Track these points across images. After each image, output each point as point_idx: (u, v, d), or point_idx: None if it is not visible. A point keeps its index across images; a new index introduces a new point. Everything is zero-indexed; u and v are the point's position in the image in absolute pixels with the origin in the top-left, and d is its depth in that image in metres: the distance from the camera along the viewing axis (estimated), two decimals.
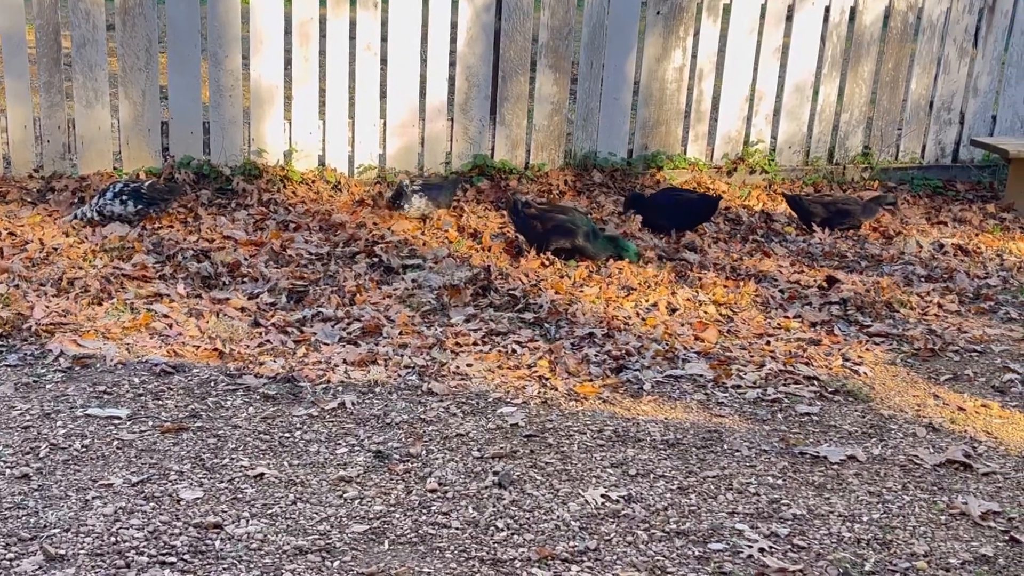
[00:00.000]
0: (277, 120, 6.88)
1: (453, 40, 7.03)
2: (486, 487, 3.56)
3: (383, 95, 7.04)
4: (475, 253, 5.92)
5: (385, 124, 7.04)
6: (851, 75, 7.60)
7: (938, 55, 7.70)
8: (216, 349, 4.65)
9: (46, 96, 6.56)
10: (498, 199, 6.96)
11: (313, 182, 6.91)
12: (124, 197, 6.05)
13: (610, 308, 5.21)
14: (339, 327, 4.93)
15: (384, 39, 6.92)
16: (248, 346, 4.71)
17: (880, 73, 7.65)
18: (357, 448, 3.83)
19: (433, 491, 3.53)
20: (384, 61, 6.96)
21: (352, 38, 6.86)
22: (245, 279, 5.42)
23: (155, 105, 6.71)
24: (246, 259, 5.69)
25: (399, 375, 4.47)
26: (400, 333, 4.89)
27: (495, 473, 3.64)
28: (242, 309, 5.09)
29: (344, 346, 4.75)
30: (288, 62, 6.84)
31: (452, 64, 7.08)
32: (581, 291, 5.43)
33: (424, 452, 3.80)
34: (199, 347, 4.68)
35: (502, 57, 7.07)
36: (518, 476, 3.64)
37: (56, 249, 5.69)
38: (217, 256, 5.66)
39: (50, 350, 4.57)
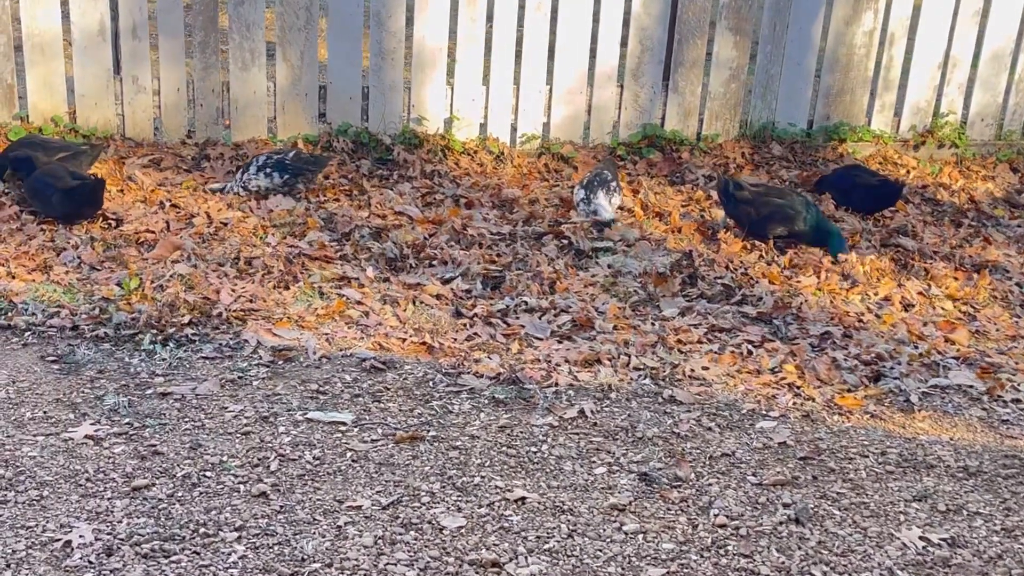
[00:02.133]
0: (439, 85, 6.45)
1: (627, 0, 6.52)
2: (780, 523, 3.14)
3: (550, 59, 6.56)
4: (669, 236, 5.46)
5: (551, 90, 6.57)
6: None
7: None
8: (424, 343, 4.26)
9: (201, 57, 6.18)
10: (672, 172, 6.48)
11: (475, 152, 6.48)
12: (268, 169, 5.66)
13: (837, 302, 4.73)
14: (546, 319, 4.52)
15: None
16: (456, 339, 4.32)
17: None
18: (616, 468, 3.41)
19: (722, 526, 3.11)
20: (553, 21, 6.48)
21: None
22: (433, 262, 5.02)
23: (313, 68, 6.30)
24: (426, 238, 5.30)
25: (631, 378, 4.04)
26: (614, 328, 4.46)
27: (785, 506, 3.21)
28: (438, 296, 4.69)
29: (560, 342, 4.33)
30: (453, 22, 6.39)
31: (625, 25, 6.58)
32: (798, 282, 4.96)
33: (693, 476, 3.38)
34: (405, 340, 4.30)
35: (679, 19, 6.55)
36: (813, 510, 3.20)
37: (225, 224, 5.33)
38: (397, 235, 5.26)
39: (246, 340, 4.21)
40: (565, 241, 5.34)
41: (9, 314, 4.33)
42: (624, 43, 6.58)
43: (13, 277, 4.69)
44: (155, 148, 6.20)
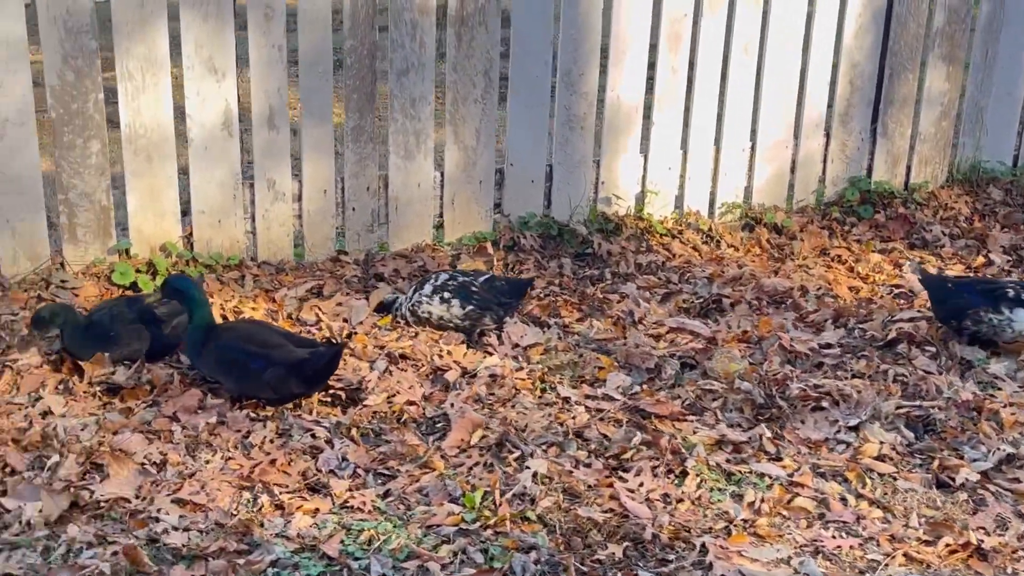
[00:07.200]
0: (632, 154, 5.14)
1: (837, 34, 5.41)
2: None
3: (754, 109, 5.38)
4: None
5: (754, 147, 5.39)
6: None
7: None
8: (965, 544, 3.01)
9: (354, 147, 4.65)
10: (908, 233, 5.41)
11: (680, 232, 5.22)
12: (446, 294, 4.21)
13: None
14: None
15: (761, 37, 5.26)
16: (980, 528, 3.09)
17: None
18: None
19: None
20: (758, 66, 5.30)
21: (727, 34, 5.17)
22: (821, 404, 3.74)
23: (491, 148, 4.87)
24: (755, 361, 4.03)
25: None
26: None
27: None
28: (882, 457, 3.44)
29: None
30: (651, 76, 5.10)
31: (834, 65, 5.47)
32: None
33: None
34: (931, 543, 3.03)
35: (890, 50, 5.49)
36: None
37: (494, 377, 3.88)
38: (723, 366, 3.96)
39: None
40: (930, 347, 4.17)
41: None
42: (832, 83, 5.48)
43: (282, 508, 3.13)
44: (301, 271, 4.63)
